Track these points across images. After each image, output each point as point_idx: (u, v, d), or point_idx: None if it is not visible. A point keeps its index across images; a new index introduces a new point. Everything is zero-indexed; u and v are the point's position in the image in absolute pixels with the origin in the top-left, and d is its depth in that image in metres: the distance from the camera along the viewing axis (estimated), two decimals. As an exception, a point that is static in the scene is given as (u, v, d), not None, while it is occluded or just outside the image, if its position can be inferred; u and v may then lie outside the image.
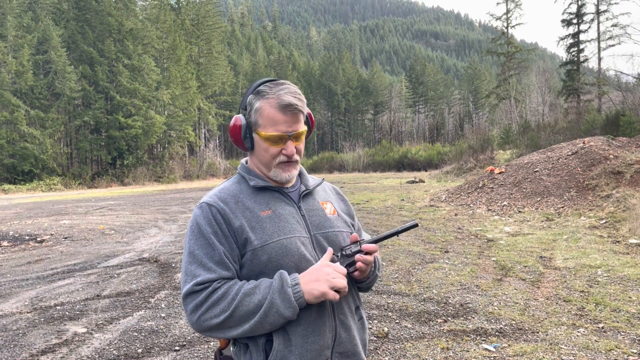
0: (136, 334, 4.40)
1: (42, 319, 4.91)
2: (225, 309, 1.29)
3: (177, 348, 4.07)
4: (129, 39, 42.92)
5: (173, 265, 7.34)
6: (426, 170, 37.53)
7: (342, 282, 1.34)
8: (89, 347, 4.14)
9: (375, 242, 1.48)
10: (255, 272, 1.37)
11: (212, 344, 4.18)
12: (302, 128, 1.45)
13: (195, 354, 3.95)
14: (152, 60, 44.30)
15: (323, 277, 1.33)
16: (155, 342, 4.22)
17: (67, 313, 5.10)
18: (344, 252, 1.47)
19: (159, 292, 5.83)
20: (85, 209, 17.80)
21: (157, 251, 8.69)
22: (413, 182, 25.20)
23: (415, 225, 1.50)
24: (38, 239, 10.67)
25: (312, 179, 1.59)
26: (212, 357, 1.46)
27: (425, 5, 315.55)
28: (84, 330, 4.55)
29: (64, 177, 39.89)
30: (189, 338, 4.30)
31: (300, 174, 1.56)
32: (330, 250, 1.41)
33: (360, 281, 1.51)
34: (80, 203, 21.35)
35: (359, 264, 1.43)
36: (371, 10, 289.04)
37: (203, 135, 54.67)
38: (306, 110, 1.47)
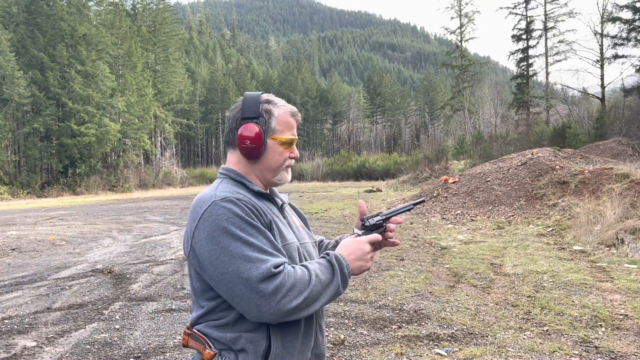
0: (89, 347, 4.31)
1: (-11, 334, 4.74)
2: (302, 289, 1.31)
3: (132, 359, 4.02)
4: (82, 45, 41.82)
5: (128, 276, 7.21)
6: (383, 180, 38.07)
7: (373, 261, 1.51)
8: (39, 361, 4.04)
9: (392, 215, 1.62)
10: None
11: (167, 354, 4.15)
12: None
13: (151, 365, 3.92)
14: (107, 67, 43.28)
15: (363, 256, 1.48)
16: (109, 354, 4.15)
17: (15, 327, 4.94)
18: (366, 224, 1.59)
19: (113, 303, 5.72)
20: (34, 219, 17.18)
21: (111, 262, 8.51)
22: (371, 191, 25.54)
23: (423, 201, 1.79)
24: (-17, 251, 10.23)
25: (276, 191, 1.66)
26: None
27: (383, 18, 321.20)
28: (34, 344, 4.42)
29: (11, 187, 38.29)
30: (144, 349, 4.26)
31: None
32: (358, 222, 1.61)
33: None
34: (29, 213, 20.57)
35: (388, 233, 1.61)
36: (330, 21, 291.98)
37: (159, 144, 53.70)
38: None
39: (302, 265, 1.38)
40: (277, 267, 1.30)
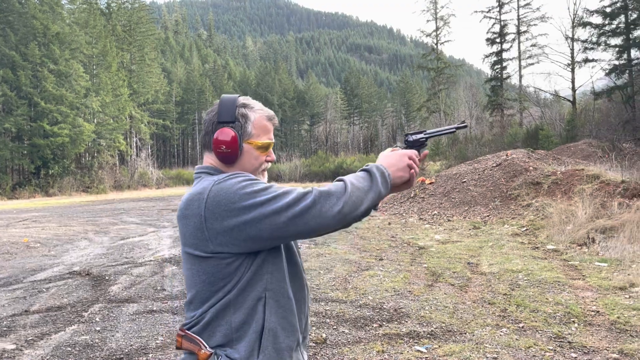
0: (70, 349, 4.28)
1: (-35, 337, 4.67)
2: (339, 196, 1.39)
3: (114, 361, 4.01)
4: (55, 43, 41.03)
5: (106, 277, 7.15)
6: (361, 181, 38.31)
7: (416, 169, 1.56)
8: (19, 364, 4.00)
9: (434, 135, 1.70)
10: (264, 258, 1.44)
11: (150, 355, 4.15)
12: None
13: (134, 367, 3.92)
14: (81, 66, 42.55)
15: (403, 167, 1.54)
16: (91, 356, 4.13)
17: (-8, 330, 4.87)
18: (409, 139, 1.67)
19: (92, 305, 5.68)
20: (6, 221, 16.81)
21: (88, 264, 8.41)
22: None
23: (466, 126, 1.77)
24: (-45, 254, 10.00)
25: None
26: None
27: (360, 20, 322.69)
28: (13, 347, 4.38)
29: (-19, 188, 37.36)
30: (126, 351, 4.25)
31: None
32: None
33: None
34: (0, 215, 20.12)
35: (424, 152, 1.67)
36: (307, 23, 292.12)
37: (135, 144, 52.99)
38: None
39: (339, 179, 1.46)
40: (304, 191, 1.39)
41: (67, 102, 40.50)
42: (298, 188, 1.42)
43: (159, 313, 5.35)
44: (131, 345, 4.36)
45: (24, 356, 4.15)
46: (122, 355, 4.13)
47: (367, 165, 1.52)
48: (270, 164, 1.59)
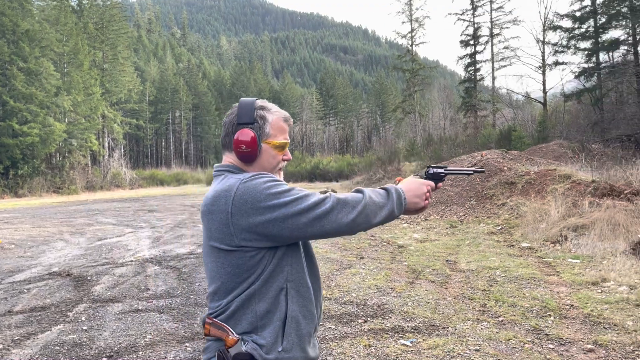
0: (58, 348, 4.28)
1: (-52, 339, 4.62)
2: (355, 205, 1.53)
3: (104, 359, 4.03)
4: (25, 41, 40.11)
5: (88, 278, 7.10)
6: (337, 181, 38.48)
7: (428, 202, 1.70)
8: (7, 363, 3.99)
9: (451, 173, 1.86)
10: (284, 251, 1.54)
11: (140, 353, 4.18)
12: None
13: (124, 364, 3.95)
14: (51, 64, 41.69)
15: (420, 195, 1.67)
16: (80, 354, 4.14)
17: (-25, 331, 4.82)
18: (429, 171, 1.81)
19: (77, 305, 5.65)
20: (-23, 223, 16.42)
21: (67, 265, 8.32)
22: (326, 192, 25.78)
23: (483, 172, 1.94)
24: None
25: None
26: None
27: (335, 20, 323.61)
28: (0, 347, 4.35)
29: (-53, 188, 36.30)
30: (116, 349, 4.27)
31: None
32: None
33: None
34: (-30, 216, 19.61)
35: (439, 184, 1.81)
36: (282, 23, 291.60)
37: (107, 144, 52.14)
38: None
39: (357, 190, 1.59)
40: (323, 196, 1.52)
41: (37, 100, 39.65)
42: (316, 192, 1.53)
43: (145, 312, 5.37)
44: (120, 344, 4.38)
45: (12, 355, 4.14)
46: (112, 353, 4.16)
47: (387, 186, 1.65)
48: (286, 162, 1.69)
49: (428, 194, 1.69)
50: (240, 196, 1.47)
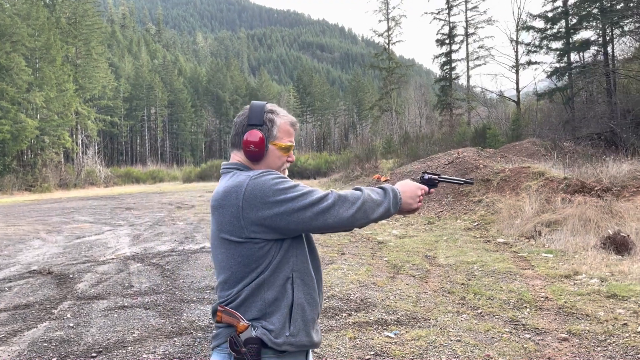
0: (46, 344, 4.30)
1: None
2: (354, 202, 1.65)
3: (93, 354, 4.07)
4: (-5, 35, 39.19)
5: (70, 276, 7.07)
6: (315, 178, 38.61)
7: (420, 205, 1.83)
8: (-6, 361, 4.00)
9: (444, 180, 2.01)
10: (290, 244, 1.65)
11: (129, 348, 4.23)
12: None
13: (114, 359, 3.99)
14: (23, 60, 40.77)
15: (414, 197, 1.80)
16: (69, 350, 4.17)
17: (-41, 329, 4.79)
18: (424, 177, 1.95)
19: (61, 302, 5.65)
20: (-52, 222, 16.05)
21: (47, 263, 8.26)
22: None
23: (472, 183, 2.11)
24: None
25: None
26: (227, 344, 1.58)
27: (312, 18, 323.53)
28: (-14, 344, 4.35)
29: None
30: (104, 344, 4.31)
31: None
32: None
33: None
34: (-60, 215, 19.13)
35: (432, 190, 1.94)
36: (258, 19, 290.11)
37: (81, 141, 51.25)
38: None
39: (356, 188, 1.71)
40: (325, 193, 1.64)
41: (8, 96, 38.78)
42: (318, 188, 1.65)
43: (131, 308, 5.40)
44: (108, 340, 4.42)
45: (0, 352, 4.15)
46: (100, 349, 4.20)
47: (385, 185, 1.78)
48: (290, 164, 1.81)
49: (421, 197, 1.83)
50: (251, 192, 1.58)
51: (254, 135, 1.69)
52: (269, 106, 1.76)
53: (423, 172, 1.98)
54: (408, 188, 1.80)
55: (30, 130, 39.89)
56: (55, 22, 49.22)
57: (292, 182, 1.64)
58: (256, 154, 1.70)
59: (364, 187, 1.72)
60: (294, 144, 1.81)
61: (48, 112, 43.32)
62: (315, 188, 1.66)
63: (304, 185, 1.65)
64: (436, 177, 1.97)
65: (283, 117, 1.77)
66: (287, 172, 1.83)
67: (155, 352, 4.14)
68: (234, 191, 1.61)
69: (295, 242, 1.67)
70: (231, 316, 1.61)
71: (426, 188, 1.87)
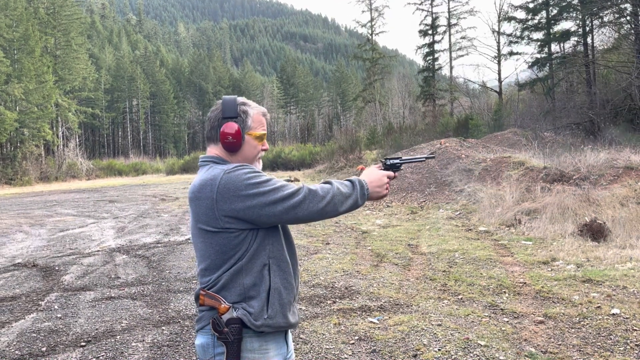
0: (35, 335, 4.35)
1: None
2: (324, 196, 1.74)
3: (82, 344, 4.13)
4: (-28, 26, 38.40)
5: (56, 268, 7.08)
6: (299, 170, 38.64)
7: (388, 191, 1.93)
8: (-17, 352, 4.04)
9: (407, 162, 2.10)
10: (265, 232, 1.74)
11: (118, 337, 4.30)
12: None
13: (103, 348, 4.06)
14: (1, 51, 40.07)
15: (381, 184, 1.91)
16: (58, 340, 4.23)
17: (-55, 322, 4.81)
18: (387, 163, 2.03)
19: (48, 294, 5.68)
20: None
21: (31, 256, 8.24)
22: (289, 180, 25.81)
23: (434, 157, 2.23)
24: None
25: None
26: (209, 325, 1.67)
27: (294, 8, 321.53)
28: (-26, 336, 4.38)
29: None
30: (93, 334, 4.37)
31: None
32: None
33: None
34: None
35: (396, 174, 2.02)
36: (241, 10, 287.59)
37: (62, 134, 50.57)
38: None
39: (326, 182, 1.81)
40: (297, 187, 1.73)
41: (-13, 88, 38.10)
42: (291, 184, 1.74)
43: (118, 299, 5.46)
44: (97, 329, 4.48)
45: (-12, 344, 4.18)
46: (89, 338, 4.26)
47: (352, 178, 1.88)
48: (264, 152, 1.91)
49: (388, 183, 1.94)
50: (224, 185, 1.66)
51: (231, 127, 1.78)
52: (240, 99, 1.85)
53: (385, 159, 2.07)
54: (374, 177, 1.91)
55: (9, 122, 39.24)
56: (33, 12, 48.37)
57: (265, 177, 1.72)
58: (234, 145, 1.78)
59: (334, 180, 1.82)
60: (267, 132, 1.90)
61: (27, 104, 42.64)
62: (287, 183, 1.75)
63: (277, 179, 1.75)
64: (397, 160, 2.08)
65: (255, 108, 1.86)
66: (261, 162, 1.91)
67: (144, 340, 4.22)
68: (208, 184, 1.69)
69: (271, 231, 1.76)
70: (213, 299, 1.70)
71: (391, 174, 1.97)
